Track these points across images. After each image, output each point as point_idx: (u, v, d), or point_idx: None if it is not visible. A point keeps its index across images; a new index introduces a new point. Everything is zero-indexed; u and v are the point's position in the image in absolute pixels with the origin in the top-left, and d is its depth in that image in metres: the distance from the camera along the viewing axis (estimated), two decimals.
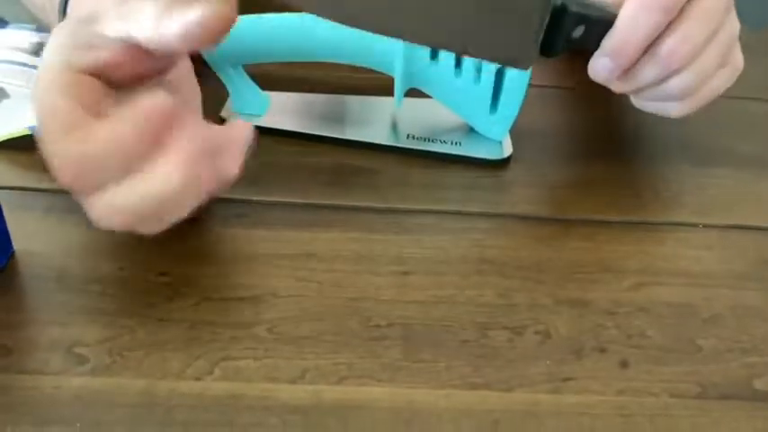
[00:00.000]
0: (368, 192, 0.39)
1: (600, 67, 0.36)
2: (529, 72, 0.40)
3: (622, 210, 0.40)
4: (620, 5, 0.35)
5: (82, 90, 0.27)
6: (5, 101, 0.42)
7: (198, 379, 0.29)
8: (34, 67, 0.45)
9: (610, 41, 0.35)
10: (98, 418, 0.27)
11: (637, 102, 0.39)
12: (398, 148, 0.42)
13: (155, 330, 0.31)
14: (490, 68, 0.40)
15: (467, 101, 0.42)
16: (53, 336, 0.30)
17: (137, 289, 0.33)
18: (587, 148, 0.44)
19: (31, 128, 0.38)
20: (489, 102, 0.41)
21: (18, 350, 0.30)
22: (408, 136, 0.43)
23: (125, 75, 0.28)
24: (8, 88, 0.42)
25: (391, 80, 0.41)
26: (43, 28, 0.48)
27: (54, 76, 0.27)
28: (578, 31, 0.35)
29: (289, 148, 0.42)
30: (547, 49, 0.36)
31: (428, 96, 0.43)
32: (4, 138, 0.38)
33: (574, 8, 0.35)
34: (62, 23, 0.30)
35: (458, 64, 0.40)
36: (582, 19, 0.35)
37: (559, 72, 0.51)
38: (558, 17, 0.35)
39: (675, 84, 0.36)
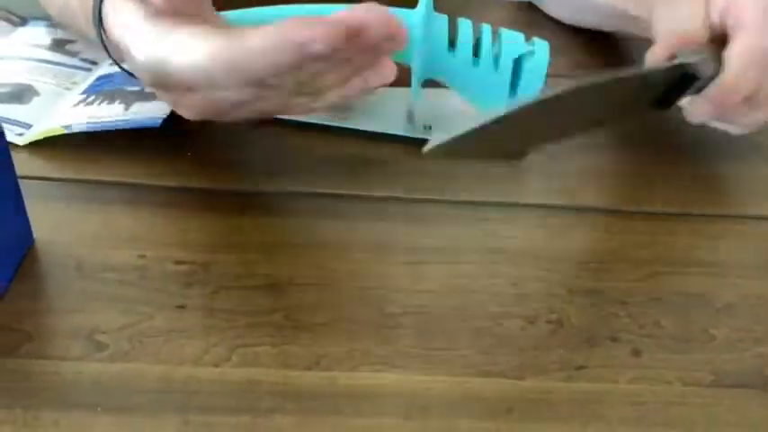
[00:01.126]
0: (382, 182, 0.40)
1: (701, 112, 0.38)
2: (546, 62, 0.40)
3: (636, 200, 0.40)
4: (715, 49, 0.36)
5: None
6: (36, 98, 0.42)
7: (216, 365, 0.30)
8: (59, 63, 0.45)
9: (716, 92, 0.36)
10: (118, 403, 0.28)
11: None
12: (413, 138, 0.42)
13: (172, 317, 0.32)
14: (508, 58, 0.40)
15: (484, 91, 0.42)
16: (73, 322, 0.31)
17: (155, 277, 0.33)
18: (601, 139, 0.44)
19: (66, 127, 0.38)
20: (507, 92, 0.41)
21: (39, 336, 0.30)
22: (425, 126, 0.43)
23: None
24: (37, 86, 0.43)
25: (407, 71, 0.41)
26: (57, 24, 0.48)
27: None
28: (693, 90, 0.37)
29: (304, 138, 0.42)
30: (666, 105, 0.38)
31: (445, 87, 0.43)
32: (41, 136, 0.39)
33: (698, 73, 0.36)
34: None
35: (475, 54, 0.40)
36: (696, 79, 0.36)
37: (576, 61, 0.51)
38: (684, 82, 0.36)
39: (757, 120, 0.39)
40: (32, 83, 0.43)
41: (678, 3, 0.40)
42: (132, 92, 0.41)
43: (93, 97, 0.41)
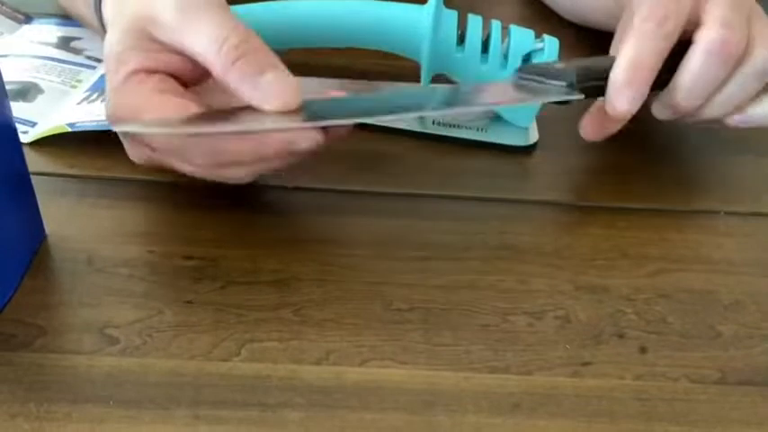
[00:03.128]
0: (390, 177, 0.40)
1: (660, 115, 0.39)
2: (556, 59, 0.40)
3: (643, 197, 0.40)
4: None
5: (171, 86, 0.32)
6: (40, 96, 0.42)
7: (225, 360, 0.30)
8: (63, 61, 0.45)
9: (674, 96, 0.37)
10: (130, 397, 0.28)
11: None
12: (423, 133, 0.42)
13: (182, 312, 0.32)
14: (517, 54, 0.40)
15: None
16: (85, 317, 0.31)
17: (164, 272, 0.34)
18: (610, 136, 0.44)
19: (71, 125, 0.39)
20: None
21: (52, 330, 0.31)
22: (434, 122, 0.43)
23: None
24: (42, 84, 0.43)
25: (415, 67, 0.42)
26: (66, 21, 0.48)
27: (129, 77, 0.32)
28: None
29: None
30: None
31: (454, 82, 0.43)
32: (46, 134, 0.39)
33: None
34: (116, 20, 0.32)
35: (484, 50, 0.40)
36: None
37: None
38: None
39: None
40: (37, 81, 0.43)
41: None
42: None
43: (96, 95, 0.42)
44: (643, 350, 0.32)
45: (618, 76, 0.35)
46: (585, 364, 0.31)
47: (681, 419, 0.29)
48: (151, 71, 0.32)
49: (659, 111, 0.39)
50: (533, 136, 0.43)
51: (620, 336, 0.32)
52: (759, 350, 0.32)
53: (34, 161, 0.39)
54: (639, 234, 0.38)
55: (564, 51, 0.40)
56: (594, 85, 0.36)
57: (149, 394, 0.29)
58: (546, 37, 0.41)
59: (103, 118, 0.39)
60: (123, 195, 0.38)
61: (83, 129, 0.39)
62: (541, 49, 0.40)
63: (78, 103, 0.41)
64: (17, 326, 0.31)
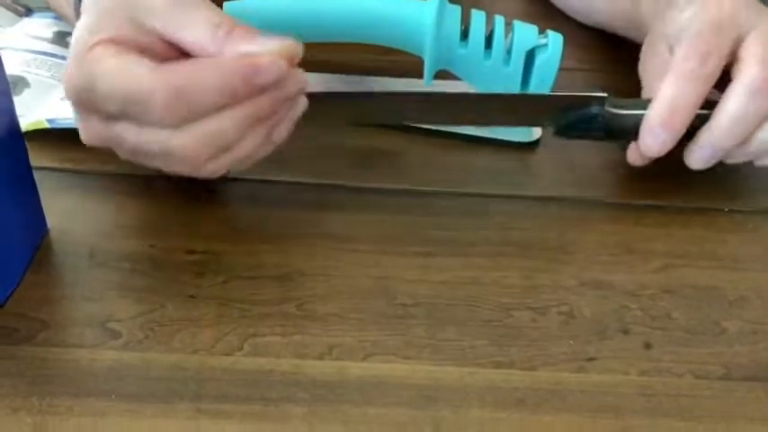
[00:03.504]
0: (393, 173, 0.40)
1: (698, 158, 0.37)
2: (560, 56, 0.40)
3: (647, 193, 0.40)
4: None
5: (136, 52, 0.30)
6: (27, 90, 0.42)
7: (227, 354, 0.30)
8: (55, 56, 0.45)
9: (711, 137, 0.36)
10: (132, 391, 0.28)
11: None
12: (426, 129, 0.42)
13: (185, 307, 0.32)
14: (520, 50, 0.40)
15: (496, 83, 0.41)
16: (87, 311, 0.31)
17: (167, 266, 0.34)
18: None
19: (50, 121, 0.39)
20: (519, 84, 0.41)
21: (54, 324, 0.31)
22: None
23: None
24: (29, 77, 0.43)
25: (416, 62, 0.41)
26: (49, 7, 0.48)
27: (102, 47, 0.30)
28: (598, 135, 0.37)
29: (314, 129, 0.42)
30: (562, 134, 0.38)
31: (457, 78, 0.43)
32: (26, 129, 0.39)
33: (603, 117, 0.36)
34: (90, 9, 0.31)
35: (488, 45, 0.40)
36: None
37: (590, 56, 0.51)
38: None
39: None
40: (25, 75, 0.43)
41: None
42: None
43: None
44: (648, 346, 0.32)
45: (654, 116, 0.35)
46: (590, 359, 0.31)
47: (685, 415, 0.29)
48: (121, 43, 0.30)
49: (695, 153, 0.37)
50: (536, 132, 0.42)
51: (625, 331, 0.32)
52: (764, 346, 0.32)
53: (37, 156, 0.39)
54: (644, 230, 0.37)
55: (567, 47, 0.40)
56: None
57: (151, 388, 0.29)
58: (550, 33, 0.41)
59: None
60: (125, 190, 0.37)
61: (62, 126, 0.38)
62: (545, 45, 0.40)
63: (62, 99, 0.41)
64: (19, 320, 0.31)
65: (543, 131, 0.43)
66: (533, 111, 0.38)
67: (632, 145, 0.38)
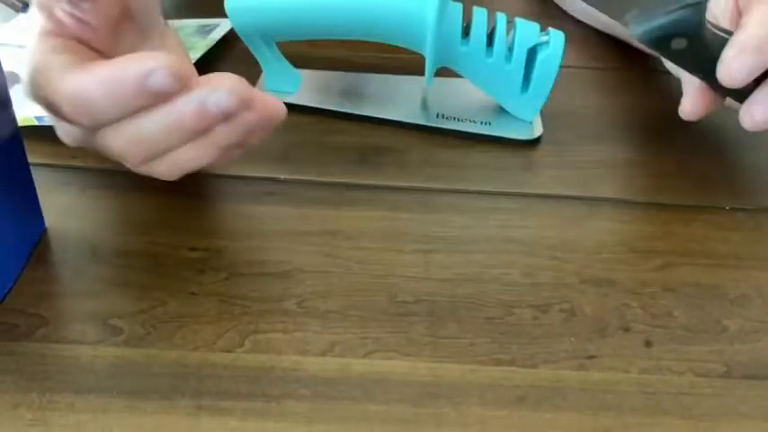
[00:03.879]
0: (395, 170, 0.40)
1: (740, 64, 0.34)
2: (561, 53, 0.40)
3: (649, 191, 0.40)
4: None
5: (70, 48, 0.30)
6: (17, 86, 0.42)
7: (229, 351, 0.30)
8: None
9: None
10: (134, 387, 0.28)
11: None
12: (427, 127, 0.42)
13: (186, 303, 0.32)
14: (522, 48, 0.40)
15: (498, 80, 0.42)
16: (88, 308, 0.31)
17: (168, 263, 0.33)
18: (616, 129, 0.44)
19: (38, 118, 0.38)
20: (520, 81, 0.41)
21: (55, 321, 0.31)
22: (438, 115, 0.43)
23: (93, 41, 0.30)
24: (21, 73, 0.42)
25: (417, 60, 0.41)
26: None
27: (40, 41, 0.30)
28: (679, 44, 0.35)
29: (318, 126, 0.42)
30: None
31: (458, 75, 0.43)
32: None
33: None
34: None
35: (489, 43, 0.40)
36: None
37: (591, 53, 0.51)
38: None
39: None
40: (16, 70, 0.42)
41: None
42: None
43: None
44: (648, 344, 0.32)
45: (748, 38, 0.33)
46: (591, 357, 0.31)
47: (686, 413, 0.29)
48: (59, 35, 0.30)
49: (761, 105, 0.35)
50: (538, 129, 0.42)
51: (626, 329, 0.32)
52: (765, 344, 0.32)
53: (35, 152, 0.39)
54: (645, 228, 0.37)
55: (569, 45, 0.40)
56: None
57: (153, 385, 0.28)
58: (551, 30, 0.41)
59: None
60: (125, 186, 0.37)
61: (49, 123, 0.38)
62: (546, 42, 0.40)
63: None
64: (19, 316, 0.31)
65: (545, 129, 0.42)
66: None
67: (691, 92, 0.37)
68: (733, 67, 0.34)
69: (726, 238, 0.37)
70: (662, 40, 0.35)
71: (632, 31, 0.35)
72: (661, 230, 0.37)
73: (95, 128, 0.29)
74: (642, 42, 0.35)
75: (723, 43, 0.35)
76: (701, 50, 0.35)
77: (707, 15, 0.35)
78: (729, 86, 0.35)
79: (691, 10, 0.34)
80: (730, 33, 0.35)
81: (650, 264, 0.35)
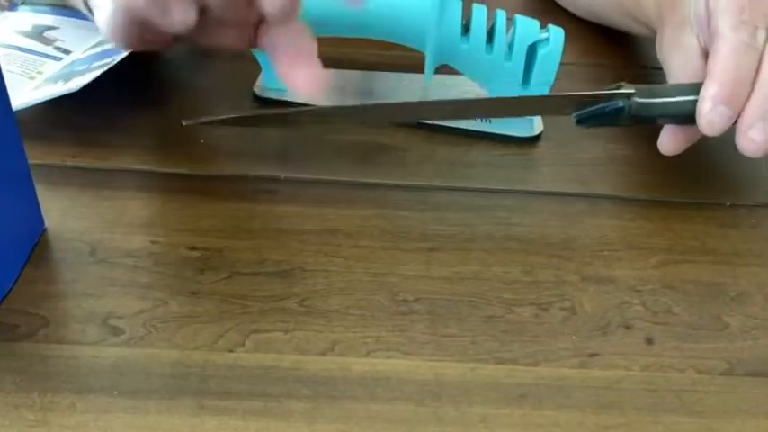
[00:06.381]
0: (395, 169, 0.40)
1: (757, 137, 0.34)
2: (561, 50, 0.40)
3: (649, 188, 0.40)
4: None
5: None
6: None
7: (230, 350, 0.30)
8: (29, 51, 0.44)
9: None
10: (135, 387, 0.28)
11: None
12: (428, 125, 0.42)
13: (187, 303, 0.32)
14: (522, 45, 0.40)
15: (498, 78, 0.41)
16: (88, 307, 0.31)
17: (168, 263, 0.33)
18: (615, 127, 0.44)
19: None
20: (521, 79, 0.41)
21: (55, 321, 0.31)
22: None
23: None
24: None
25: (419, 58, 0.41)
26: (50, 10, 0.47)
27: None
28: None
29: (317, 124, 0.42)
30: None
31: (458, 73, 0.43)
32: None
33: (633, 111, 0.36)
34: None
35: (489, 40, 0.40)
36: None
37: (591, 50, 0.51)
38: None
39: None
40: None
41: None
42: (78, 71, 0.40)
43: (42, 84, 0.40)
44: (650, 341, 0.32)
45: (717, 94, 0.34)
46: (592, 355, 0.31)
47: (688, 410, 0.29)
48: None
49: (753, 133, 0.35)
50: (538, 127, 0.42)
51: (627, 327, 0.32)
52: (766, 341, 0.32)
53: (35, 152, 0.39)
54: (646, 225, 0.37)
55: (569, 42, 0.40)
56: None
57: (154, 385, 0.28)
58: (551, 27, 0.40)
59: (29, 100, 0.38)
60: (125, 186, 0.37)
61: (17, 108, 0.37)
62: (546, 40, 0.40)
63: (35, 89, 0.40)
64: (20, 316, 0.31)
65: (545, 127, 0.42)
66: (554, 108, 0.38)
67: (667, 132, 0.37)
68: (713, 119, 0.34)
69: (726, 235, 0.37)
70: (604, 125, 0.37)
71: (573, 120, 0.37)
72: (661, 227, 0.37)
73: None
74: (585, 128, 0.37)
75: (675, 96, 0.36)
76: (657, 111, 0.36)
77: None
78: (713, 135, 0.35)
79: (614, 104, 0.36)
80: (680, 87, 0.36)
81: (651, 261, 0.35)
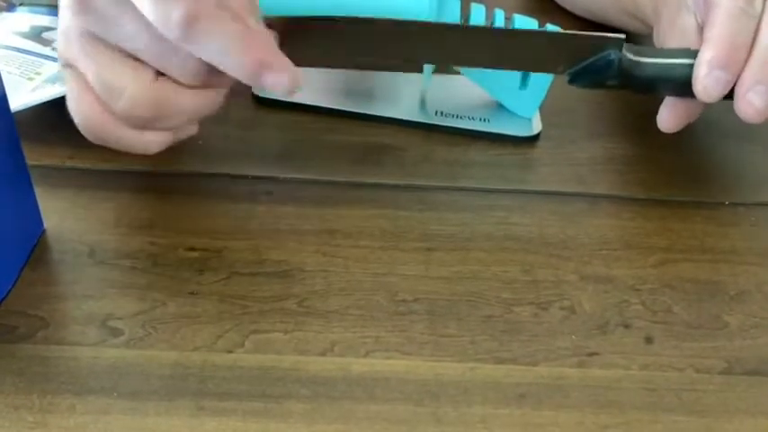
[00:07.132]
0: (393, 169, 0.40)
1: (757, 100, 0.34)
2: None
3: (648, 187, 0.40)
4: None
5: None
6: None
7: (229, 351, 0.30)
8: (27, 51, 0.43)
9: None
10: (134, 388, 0.28)
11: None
12: (426, 124, 0.42)
13: (186, 304, 0.32)
14: None
15: (496, 77, 0.41)
16: (88, 309, 0.31)
17: (167, 263, 0.33)
18: (614, 126, 0.44)
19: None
20: (519, 78, 0.41)
21: (54, 322, 0.31)
22: (437, 112, 0.43)
23: None
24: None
25: None
26: (49, 10, 0.47)
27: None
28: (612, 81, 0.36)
29: (316, 124, 0.42)
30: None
31: (457, 72, 0.43)
32: None
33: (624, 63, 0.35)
34: None
35: None
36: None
37: None
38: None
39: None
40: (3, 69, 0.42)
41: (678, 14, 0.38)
42: None
43: (41, 85, 0.40)
44: (649, 340, 0.32)
45: (713, 58, 0.33)
46: (591, 354, 0.31)
47: (687, 409, 0.29)
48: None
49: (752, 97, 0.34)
50: (537, 126, 0.42)
51: (626, 326, 0.32)
52: (765, 340, 0.32)
53: (34, 152, 0.38)
54: (645, 224, 0.37)
55: None
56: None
57: (153, 386, 0.28)
58: (549, 26, 0.40)
59: (27, 101, 0.38)
60: (123, 187, 0.37)
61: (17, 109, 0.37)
62: None
63: (32, 90, 0.40)
64: (19, 318, 0.31)
65: (543, 126, 0.42)
66: (547, 52, 0.36)
67: (667, 105, 0.37)
68: (709, 84, 0.34)
69: (725, 234, 0.37)
70: (598, 84, 0.36)
71: (566, 80, 0.37)
72: (660, 226, 0.37)
73: None
74: (578, 87, 0.37)
75: (672, 63, 0.35)
76: (650, 71, 0.35)
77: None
78: (709, 102, 0.35)
79: (605, 57, 0.35)
80: (675, 51, 0.35)
81: (650, 260, 0.35)
